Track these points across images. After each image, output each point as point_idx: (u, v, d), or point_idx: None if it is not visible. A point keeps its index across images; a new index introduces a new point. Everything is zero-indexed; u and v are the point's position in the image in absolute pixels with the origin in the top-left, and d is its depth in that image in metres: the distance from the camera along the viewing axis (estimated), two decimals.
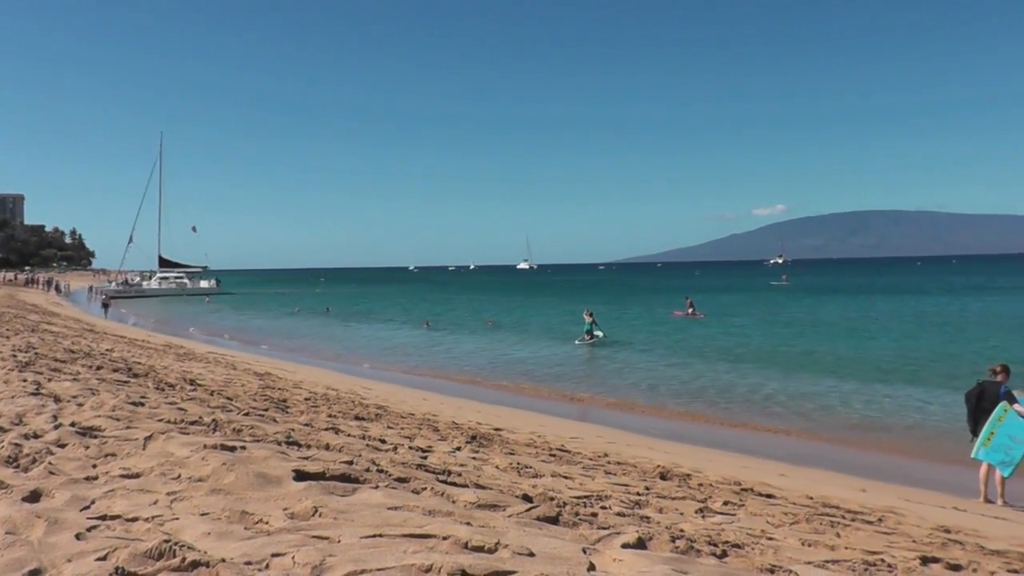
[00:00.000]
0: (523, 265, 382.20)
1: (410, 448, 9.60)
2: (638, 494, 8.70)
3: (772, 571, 5.34)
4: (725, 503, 9.10)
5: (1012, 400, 14.14)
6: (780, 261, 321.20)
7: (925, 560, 7.04)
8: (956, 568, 7.02)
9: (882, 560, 6.67)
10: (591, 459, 12.40)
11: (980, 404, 14.43)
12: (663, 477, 11.11)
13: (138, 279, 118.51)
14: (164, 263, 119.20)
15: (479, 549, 4.37)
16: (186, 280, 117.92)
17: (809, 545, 6.92)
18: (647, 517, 7.12)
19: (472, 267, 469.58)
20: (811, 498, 11.18)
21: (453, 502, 5.77)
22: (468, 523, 5.01)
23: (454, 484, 6.71)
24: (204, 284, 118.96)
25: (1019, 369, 15.78)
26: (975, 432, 14.38)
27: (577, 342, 42.66)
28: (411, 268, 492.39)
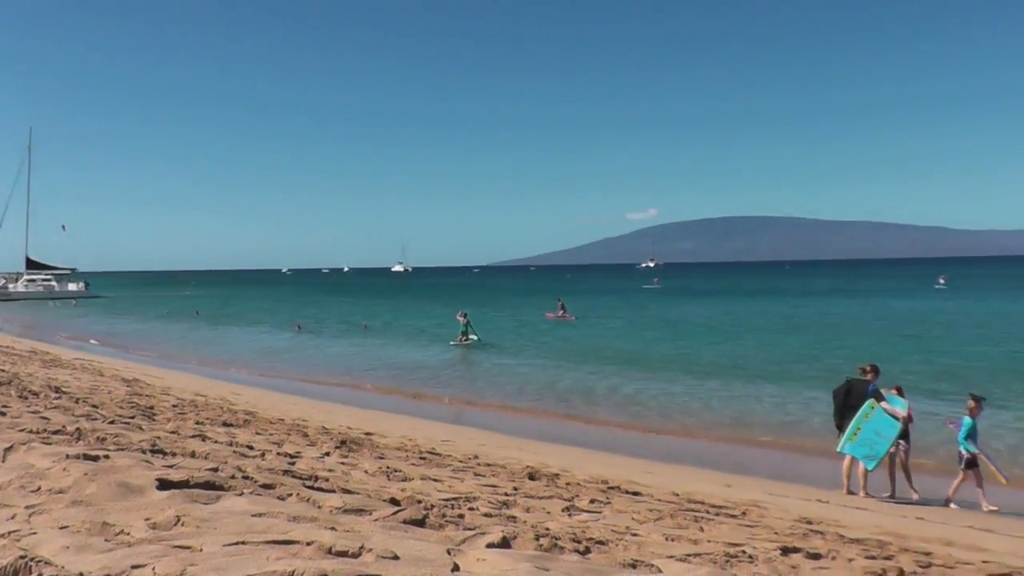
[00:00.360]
0: (398, 268, 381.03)
1: (278, 454, 9.55)
2: (506, 495, 8.81)
3: (634, 566, 5.47)
4: (592, 501, 9.27)
5: (880, 398, 14.81)
6: (652, 264, 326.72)
7: (786, 550, 7.28)
8: (816, 557, 7.28)
9: (743, 552, 6.86)
10: (461, 461, 12.49)
11: (847, 401, 15.06)
12: (531, 477, 11.24)
13: (3, 282, 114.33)
14: (32, 265, 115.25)
15: (343, 554, 4.41)
16: (54, 283, 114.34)
17: (672, 540, 7.08)
18: (514, 517, 7.21)
19: (346, 269, 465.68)
20: (677, 494, 11.45)
21: (319, 507, 5.78)
22: (333, 528, 5.02)
23: (321, 489, 6.72)
24: (73, 287, 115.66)
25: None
26: (841, 428, 14.99)
27: (451, 343, 42.82)
28: (284, 271, 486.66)
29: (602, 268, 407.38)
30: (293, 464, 8.70)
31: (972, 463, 14.23)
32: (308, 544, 4.48)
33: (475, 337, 43.21)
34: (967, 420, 14.38)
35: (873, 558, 7.72)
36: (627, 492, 11.02)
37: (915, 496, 14.68)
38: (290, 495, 6.09)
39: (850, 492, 14.75)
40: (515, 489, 9.49)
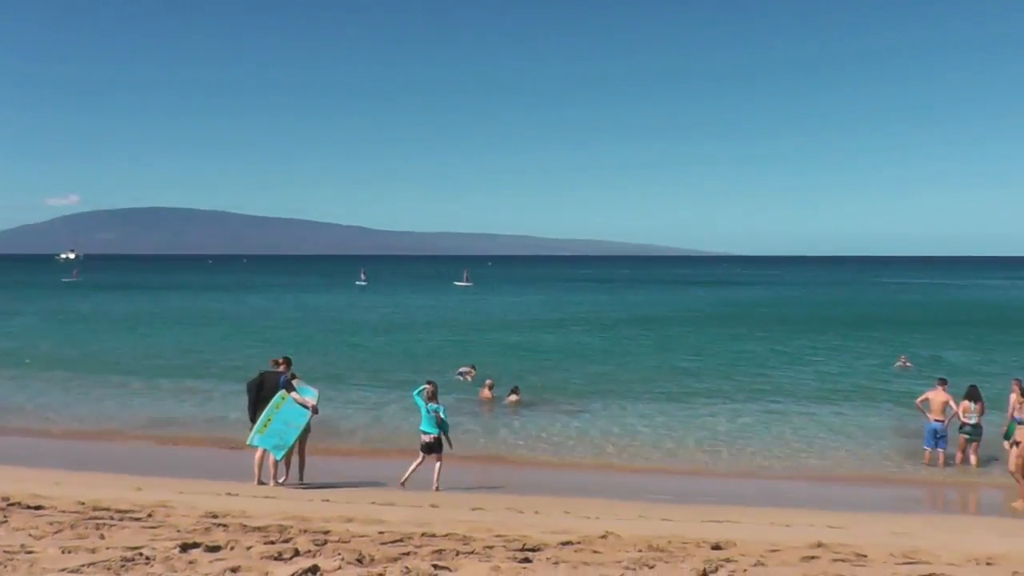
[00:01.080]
0: None
1: None
2: None
3: None
4: None
5: (290, 388, 15.52)
6: (72, 256, 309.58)
7: (185, 547, 7.63)
8: (215, 549, 7.70)
9: (141, 554, 7.10)
10: None
11: (261, 393, 15.55)
12: None
13: None
14: None
15: None
16: None
17: (69, 552, 7.14)
18: None
19: None
20: (82, 503, 11.28)
21: None
22: None
23: None
24: None
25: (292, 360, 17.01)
26: (254, 420, 15.50)
27: None
28: None
29: (18, 259, 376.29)
30: None
31: (437, 446, 15.43)
32: None
33: None
34: (439, 407, 15.57)
35: (272, 543, 8.30)
36: (28, 507, 10.69)
37: (293, 479, 15.59)
38: None
39: (261, 483, 15.26)
40: None
